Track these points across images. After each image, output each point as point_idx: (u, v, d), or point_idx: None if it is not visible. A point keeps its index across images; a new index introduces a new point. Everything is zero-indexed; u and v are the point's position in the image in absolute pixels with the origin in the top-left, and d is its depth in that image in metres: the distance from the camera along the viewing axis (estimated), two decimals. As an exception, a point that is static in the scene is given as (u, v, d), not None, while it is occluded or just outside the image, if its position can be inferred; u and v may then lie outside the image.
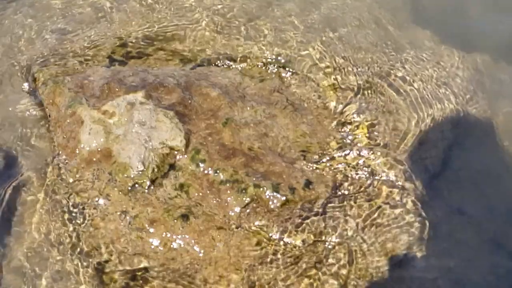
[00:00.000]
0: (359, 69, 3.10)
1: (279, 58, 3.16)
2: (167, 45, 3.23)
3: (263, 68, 3.10)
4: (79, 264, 2.42)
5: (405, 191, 2.62)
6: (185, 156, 2.59)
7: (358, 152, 2.73)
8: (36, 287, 2.36)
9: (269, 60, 3.15)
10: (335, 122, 2.87)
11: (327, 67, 3.12)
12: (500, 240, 2.63)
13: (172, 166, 2.58)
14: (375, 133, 2.82)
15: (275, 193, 2.49)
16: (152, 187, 2.53)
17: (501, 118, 3.07)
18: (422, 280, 2.50)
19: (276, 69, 3.09)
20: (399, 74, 3.13)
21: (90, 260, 2.42)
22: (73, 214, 2.53)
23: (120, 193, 2.52)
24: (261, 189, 2.49)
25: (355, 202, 2.58)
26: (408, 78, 3.11)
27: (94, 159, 2.59)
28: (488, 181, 2.81)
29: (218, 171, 2.53)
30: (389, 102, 2.97)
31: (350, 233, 2.51)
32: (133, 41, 3.24)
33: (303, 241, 2.46)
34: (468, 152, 2.89)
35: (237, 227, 2.44)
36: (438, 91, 3.08)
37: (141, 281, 2.37)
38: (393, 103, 2.97)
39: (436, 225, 2.59)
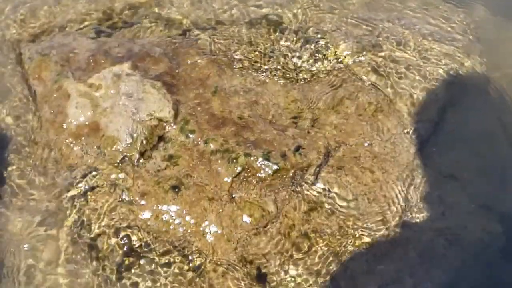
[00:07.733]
0: (349, 28, 3.00)
1: (268, 18, 3.06)
2: (152, 13, 3.14)
3: (252, 31, 3.00)
4: (73, 240, 2.41)
5: (395, 157, 2.58)
6: (174, 127, 2.54)
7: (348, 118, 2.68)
8: (31, 264, 2.36)
9: (258, 22, 3.05)
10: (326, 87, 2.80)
11: (319, 27, 3.02)
12: (492, 204, 2.60)
13: (161, 138, 2.53)
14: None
15: (266, 162, 2.44)
16: (141, 160, 2.49)
17: (498, 75, 2.97)
18: (418, 240, 2.48)
19: (266, 32, 2.99)
20: (393, 33, 3.02)
21: (84, 235, 2.41)
22: (64, 190, 2.51)
23: (110, 166, 2.48)
24: (252, 157, 2.44)
25: (347, 168, 2.54)
26: (401, 36, 3.00)
27: (82, 133, 2.55)
28: (483, 142, 2.74)
29: (208, 141, 2.49)
30: (382, 62, 2.88)
31: (343, 200, 2.49)
32: (118, 11, 3.15)
33: (296, 209, 2.43)
34: (463, 113, 2.82)
35: (229, 197, 2.41)
36: (432, 48, 2.97)
37: (134, 254, 2.36)
38: (385, 60, 2.88)
39: (429, 191, 2.56)
